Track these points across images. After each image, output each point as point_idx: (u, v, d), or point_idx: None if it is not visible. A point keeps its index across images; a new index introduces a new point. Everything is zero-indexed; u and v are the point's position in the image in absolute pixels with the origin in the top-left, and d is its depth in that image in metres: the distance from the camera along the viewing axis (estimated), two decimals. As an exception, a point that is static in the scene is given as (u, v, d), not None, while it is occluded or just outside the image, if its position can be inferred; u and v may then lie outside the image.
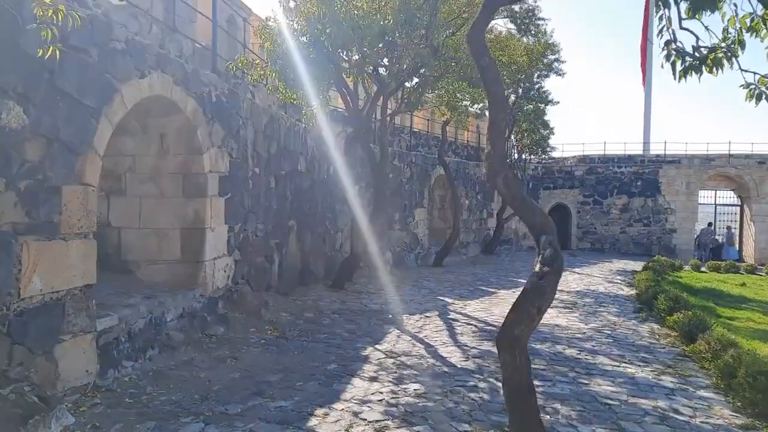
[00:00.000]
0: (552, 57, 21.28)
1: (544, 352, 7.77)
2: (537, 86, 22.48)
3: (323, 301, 10.75)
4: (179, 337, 7.04)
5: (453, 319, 9.90)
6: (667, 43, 4.06)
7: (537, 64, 19.87)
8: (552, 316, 10.07)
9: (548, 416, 5.33)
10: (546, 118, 23.78)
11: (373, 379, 6.36)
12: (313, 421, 5.08)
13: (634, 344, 8.47)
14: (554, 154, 28.18)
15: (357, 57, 11.26)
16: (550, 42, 20.37)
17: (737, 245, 26.80)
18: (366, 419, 5.18)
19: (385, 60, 12.24)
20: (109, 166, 7.35)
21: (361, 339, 8.27)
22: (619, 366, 7.25)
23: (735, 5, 3.83)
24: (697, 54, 4.02)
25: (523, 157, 26.48)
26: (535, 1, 18.57)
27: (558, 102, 33.38)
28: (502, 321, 4.54)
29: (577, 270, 18.30)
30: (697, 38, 4.09)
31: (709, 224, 26.94)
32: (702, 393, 6.27)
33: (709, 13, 3.97)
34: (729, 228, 27.04)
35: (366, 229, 12.68)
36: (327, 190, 13.33)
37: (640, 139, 32.48)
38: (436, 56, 11.31)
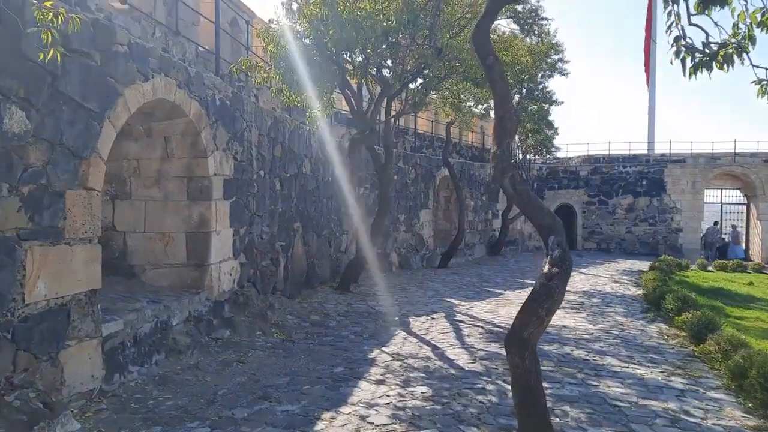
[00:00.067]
0: (556, 57, 21.23)
1: (552, 354, 7.71)
2: (541, 86, 22.39)
3: (329, 304, 10.71)
4: (185, 341, 7.00)
5: (459, 321, 9.85)
6: (677, 40, 4.00)
7: (541, 64, 19.80)
8: (559, 317, 10.00)
9: (557, 419, 5.27)
10: (550, 118, 23.70)
11: (380, 382, 6.31)
12: (320, 426, 5.03)
13: (643, 345, 8.40)
14: (559, 155, 28.13)
15: (360, 58, 11.22)
16: (553, 42, 20.32)
17: (743, 244, 26.66)
18: (373, 423, 5.13)
19: (389, 61, 12.21)
20: (113, 170, 7.33)
21: (368, 341, 8.23)
22: (627, 367, 7.18)
23: (745, 0, 3.78)
24: (707, 50, 3.96)
25: (528, 157, 26.42)
26: (538, 1, 18.51)
27: (562, 102, 33.25)
28: (510, 322, 4.50)
29: (583, 270, 18.21)
30: (707, 34, 4.03)
31: (715, 223, 26.79)
32: (713, 394, 6.20)
33: (718, 8, 3.92)
34: (734, 227, 26.90)
35: (371, 230, 12.64)
36: (332, 192, 13.29)
37: (645, 139, 32.40)
38: (440, 57, 11.27)
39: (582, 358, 7.59)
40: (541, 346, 7.64)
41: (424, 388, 6.11)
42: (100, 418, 4.98)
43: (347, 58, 11.19)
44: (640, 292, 13.71)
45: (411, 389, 6.08)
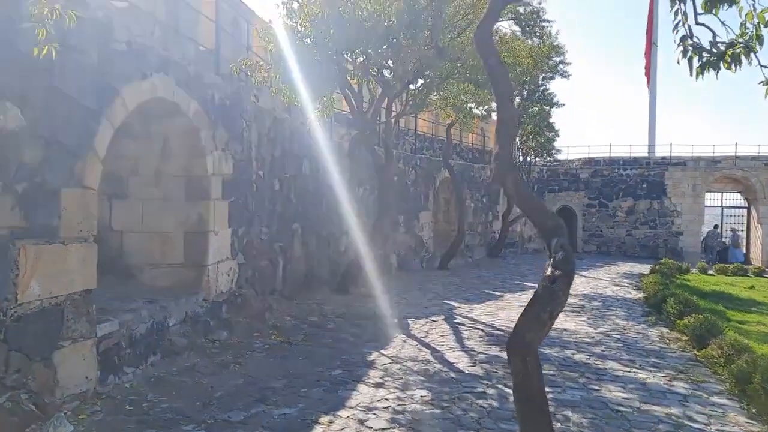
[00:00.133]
0: (557, 59, 21.19)
1: (553, 357, 7.63)
2: (542, 88, 22.36)
3: (328, 305, 10.63)
4: (182, 342, 6.93)
5: (459, 324, 9.76)
6: (683, 39, 3.93)
7: (542, 66, 19.76)
8: (560, 320, 9.89)
9: (559, 424, 5.19)
10: (551, 120, 23.66)
11: (378, 386, 6.23)
12: (317, 430, 4.96)
13: (644, 349, 8.32)
14: (559, 157, 28.01)
15: (361, 59, 11.15)
16: (555, 44, 20.28)
17: (743, 247, 26.60)
18: (372, 427, 5.06)
19: (390, 61, 12.12)
20: (111, 169, 7.24)
21: (367, 344, 8.14)
22: (629, 371, 7.11)
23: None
24: (714, 50, 3.89)
25: (528, 159, 26.34)
26: (540, 3, 18.48)
27: (563, 104, 33.18)
28: (510, 325, 4.43)
29: (583, 273, 18.12)
30: (714, 34, 3.96)
31: (715, 226, 26.72)
32: (716, 399, 6.13)
33: (726, 7, 3.84)
34: (734, 230, 26.84)
35: (371, 232, 12.56)
36: (331, 193, 13.20)
37: (646, 142, 32.30)
38: (441, 57, 11.20)
39: (583, 361, 7.51)
40: (542, 350, 7.54)
41: (423, 392, 6.04)
42: (94, 420, 4.90)
43: (348, 58, 11.12)
44: (641, 295, 13.63)
45: (410, 393, 6.01)
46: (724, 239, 26.77)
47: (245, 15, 14.05)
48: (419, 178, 18.63)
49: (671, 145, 27.70)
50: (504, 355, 6.65)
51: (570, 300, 12.13)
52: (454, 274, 17.04)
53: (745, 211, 27.63)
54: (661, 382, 6.66)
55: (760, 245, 25.25)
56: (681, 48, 3.94)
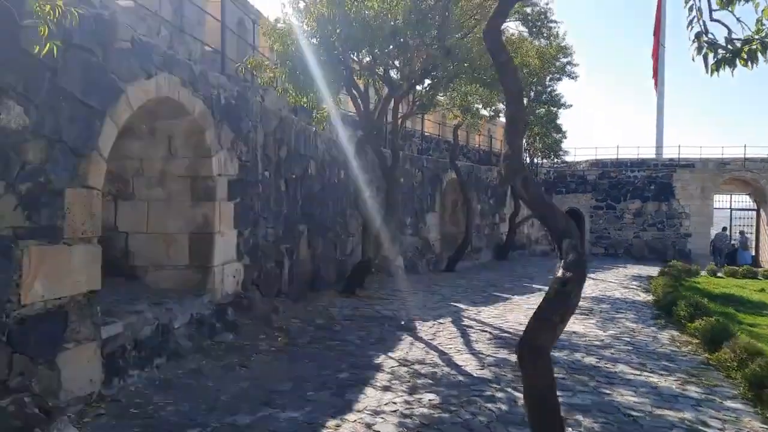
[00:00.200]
0: (564, 60, 21.02)
1: (563, 361, 7.52)
2: (549, 89, 22.20)
3: (334, 308, 10.55)
4: (187, 344, 6.86)
5: (467, 326, 9.66)
6: (698, 36, 3.84)
7: (549, 66, 19.60)
8: (569, 323, 9.76)
9: (570, 428, 5.09)
10: (558, 121, 23.53)
11: (386, 389, 6.15)
12: (324, 434, 4.88)
13: (655, 352, 8.21)
14: (567, 158, 27.91)
15: (368, 59, 11.09)
16: (562, 45, 20.13)
17: (751, 249, 26.38)
18: (380, 431, 4.97)
19: (397, 61, 12.06)
20: (115, 169, 7.22)
21: (374, 346, 8.06)
22: (640, 375, 7.00)
23: (770, -5, 3.61)
24: (729, 46, 3.79)
25: (536, 161, 26.23)
26: (548, 4, 18.34)
27: (571, 105, 33.01)
28: (518, 328, 4.35)
29: (592, 275, 17.98)
30: (729, 30, 3.87)
31: (724, 229, 26.53)
32: (729, 404, 6.01)
33: (742, 3, 3.75)
34: (742, 233, 26.64)
35: (377, 233, 12.48)
36: (338, 194, 13.15)
37: (653, 144, 32.11)
38: (449, 57, 11.11)
39: (593, 365, 7.41)
40: (551, 353, 7.45)
41: (431, 395, 5.94)
42: (99, 423, 4.83)
43: (354, 57, 11.06)
44: (650, 297, 13.51)
45: (418, 396, 5.92)
46: (733, 242, 26.57)
47: (252, 15, 14.02)
48: (426, 179, 18.56)
49: (679, 146, 27.54)
50: (513, 358, 6.56)
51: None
52: (461, 276, 16.96)
53: (755, 213, 27.43)
54: (674, 386, 6.55)
55: (769, 247, 25.06)
56: (696, 45, 3.85)
